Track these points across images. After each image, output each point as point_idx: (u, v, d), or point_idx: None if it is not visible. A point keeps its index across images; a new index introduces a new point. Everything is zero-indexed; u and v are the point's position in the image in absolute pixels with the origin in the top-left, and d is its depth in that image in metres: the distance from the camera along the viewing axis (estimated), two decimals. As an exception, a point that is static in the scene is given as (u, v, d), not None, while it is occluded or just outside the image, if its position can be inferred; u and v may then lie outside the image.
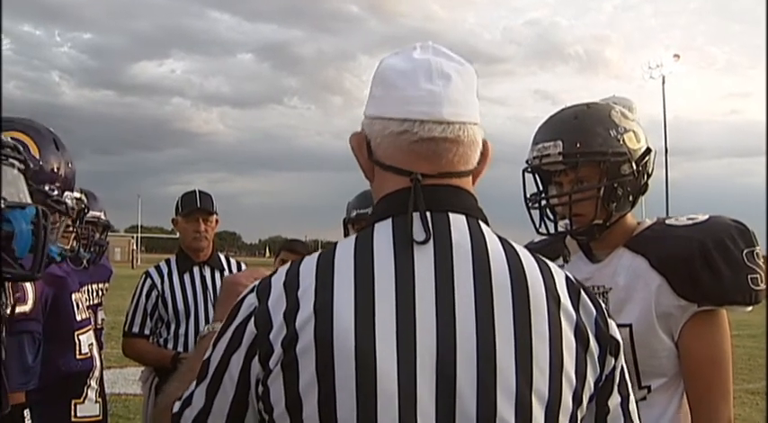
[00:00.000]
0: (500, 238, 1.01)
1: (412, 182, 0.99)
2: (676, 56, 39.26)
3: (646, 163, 1.70)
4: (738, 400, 7.70)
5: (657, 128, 37.50)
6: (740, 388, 8.35)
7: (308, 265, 0.97)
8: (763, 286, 1.60)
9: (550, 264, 1.02)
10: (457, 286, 0.93)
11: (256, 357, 0.92)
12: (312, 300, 0.92)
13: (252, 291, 0.98)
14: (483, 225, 1.02)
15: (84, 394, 2.02)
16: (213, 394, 0.97)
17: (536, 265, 0.99)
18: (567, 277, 1.01)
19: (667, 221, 1.71)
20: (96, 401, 2.07)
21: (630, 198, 1.70)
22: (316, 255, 0.99)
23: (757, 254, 1.60)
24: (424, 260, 0.95)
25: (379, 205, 1.04)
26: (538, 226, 1.77)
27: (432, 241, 0.96)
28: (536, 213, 1.77)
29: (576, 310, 0.98)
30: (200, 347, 1.12)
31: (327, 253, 0.99)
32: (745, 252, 1.58)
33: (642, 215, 1.79)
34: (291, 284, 0.95)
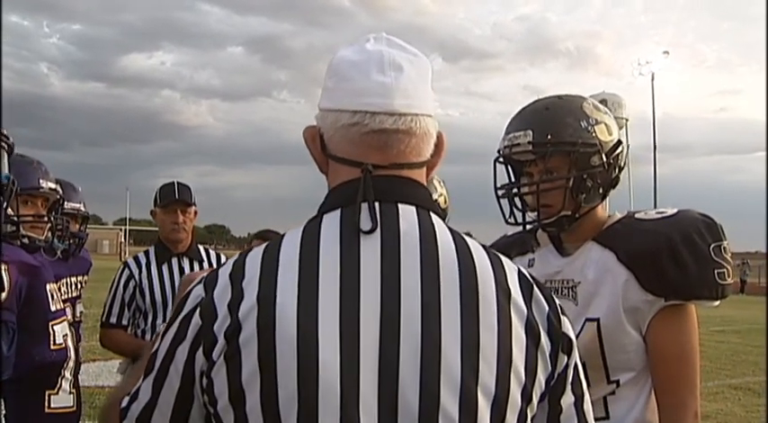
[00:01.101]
0: (451, 230, 1.00)
1: (363, 172, 0.98)
2: (666, 52, 39.24)
3: (617, 156, 1.69)
4: (721, 395, 7.79)
5: (647, 125, 37.64)
6: (723, 383, 8.42)
7: (255, 255, 0.96)
8: (729, 281, 1.59)
9: (503, 258, 1.00)
10: (403, 277, 0.92)
11: (201, 349, 0.91)
12: (256, 289, 0.91)
13: (200, 282, 0.97)
14: (434, 217, 1.00)
15: (58, 385, 2.00)
16: (159, 387, 0.96)
17: (487, 258, 0.98)
18: (519, 272, 1.00)
19: (636, 215, 1.70)
20: (70, 392, 2.05)
21: (601, 190, 1.69)
22: (263, 245, 0.98)
23: (724, 248, 1.59)
24: (370, 250, 0.94)
25: (328, 196, 1.03)
26: (507, 216, 1.75)
27: (379, 231, 0.95)
28: (506, 204, 1.75)
29: (528, 306, 0.95)
30: (153, 344, 1.11)
31: (274, 244, 0.97)
32: (712, 246, 1.58)
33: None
34: (237, 275, 0.94)
